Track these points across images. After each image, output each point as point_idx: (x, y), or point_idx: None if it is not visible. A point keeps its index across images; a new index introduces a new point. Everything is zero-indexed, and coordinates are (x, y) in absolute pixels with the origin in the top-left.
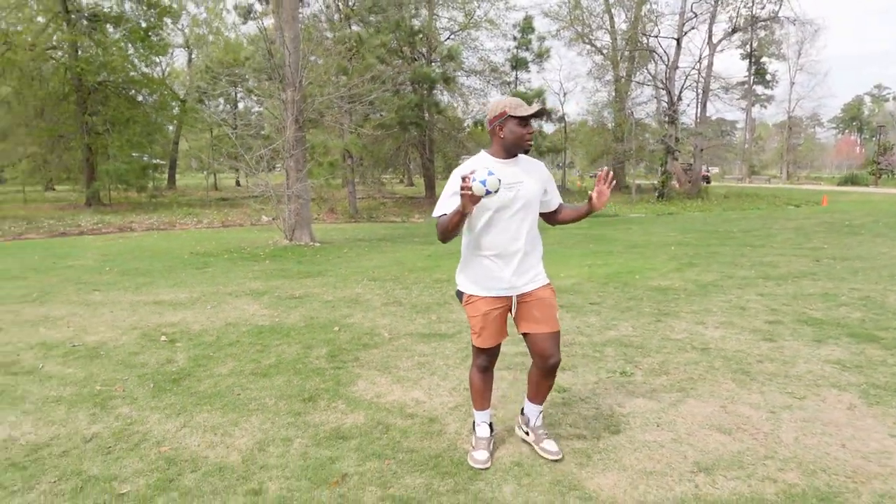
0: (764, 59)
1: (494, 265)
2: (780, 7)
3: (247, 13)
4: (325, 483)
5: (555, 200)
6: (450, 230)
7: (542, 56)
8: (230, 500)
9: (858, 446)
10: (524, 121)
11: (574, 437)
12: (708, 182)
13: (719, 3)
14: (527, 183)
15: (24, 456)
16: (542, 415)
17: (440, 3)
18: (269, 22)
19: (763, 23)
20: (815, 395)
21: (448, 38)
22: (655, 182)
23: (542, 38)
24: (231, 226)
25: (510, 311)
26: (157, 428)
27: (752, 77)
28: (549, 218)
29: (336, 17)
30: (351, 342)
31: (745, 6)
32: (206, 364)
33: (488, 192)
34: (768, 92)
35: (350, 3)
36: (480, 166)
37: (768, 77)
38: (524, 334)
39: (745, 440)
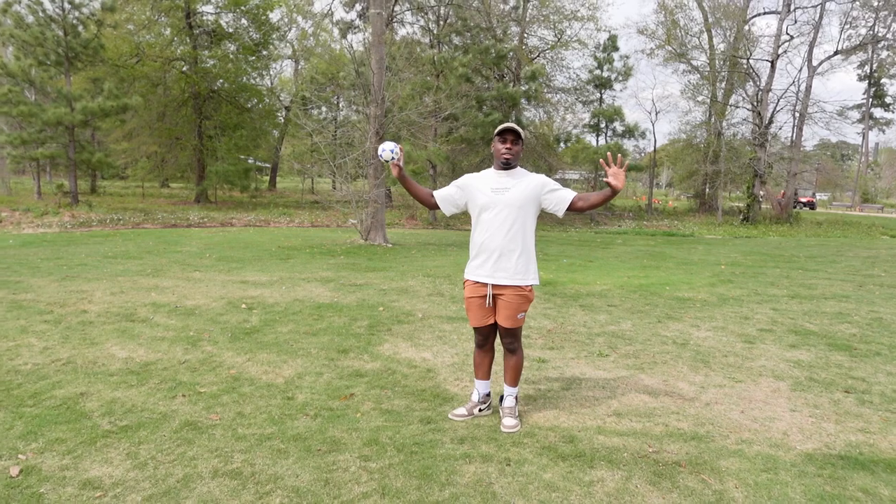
0: (884, 80)
1: (479, 256)
2: None
3: (347, 29)
4: (337, 397)
5: (563, 196)
6: (409, 189)
7: (625, 75)
8: (271, 400)
9: (755, 414)
10: (499, 137)
11: (532, 388)
12: (812, 208)
13: (820, 26)
14: (513, 190)
15: (139, 368)
16: (514, 397)
17: (532, 22)
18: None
19: (879, 43)
20: (752, 381)
21: (537, 56)
22: (739, 205)
23: (625, 57)
24: (319, 226)
25: (487, 299)
26: (229, 360)
27: (869, 99)
28: (574, 209)
29: (427, 39)
30: (389, 319)
31: (864, 25)
32: (272, 325)
33: (387, 157)
34: (888, 115)
35: (441, 25)
36: (388, 142)
37: (888, 100)
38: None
39: (664, 402)
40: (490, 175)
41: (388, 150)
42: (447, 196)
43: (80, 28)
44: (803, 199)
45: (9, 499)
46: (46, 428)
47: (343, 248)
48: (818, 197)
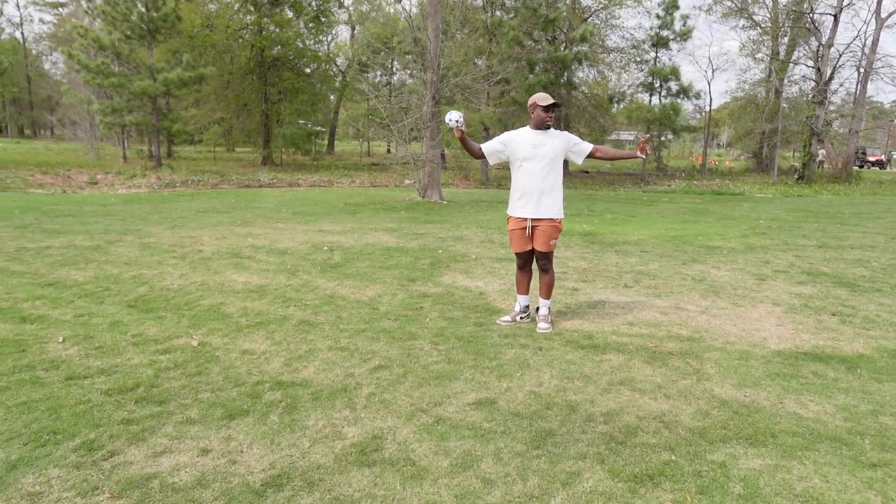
0: None
1: (521, 197)
2: None
3: None
4: (410, 308)
5: (584, 147)
6: (466, 148)
7: (684, 36)
8: (360, 310)
9: (745, 327)
10: (545, 109)
11: (563, 306)
12: (882, 167)
13: None
14: (549, 145)
15: (256, 288)
16: (547, 307)
17: None
18: (416, 1)
19: None
20: (752, 306)
21: (590, 15)
22: (795, 164)
23: (685, 17)
24: (378, 186)
25: (528, 230)
26: (323, 284)
27: None
28: (594, 157)
29: (479, 2)
30: (447, 258)
31: None
32: (352, 261)
33: (454, 124)
34: None
35: None
36: (454, 111)
37: None
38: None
39: (671, 317)
40: (528, 133)
41: (453, 119)
42: (493, 150)
43: (161, 2)
44: (872, 158)
45: (198, 357)
46: (204, 322)
47: (403, 204)
48: (894, 155)
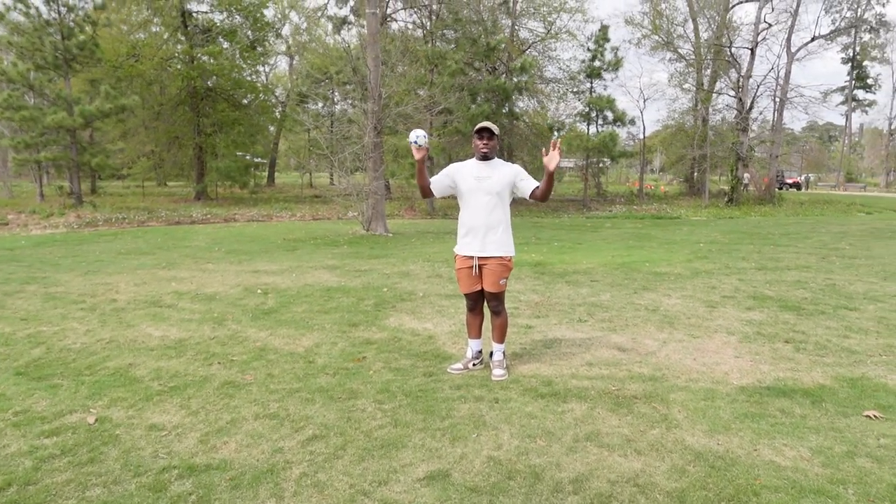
0: (866, 63)
1: (467, 234)
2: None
3: (340, 24)
4: (351, 360)
5: (529, 185)
6: (417, 178)
7: (615, 66)
8: (295, 364)
9: (705, 360)
10: (477, 135)
11: (519, 347)
12: (799, 188)
13: (797, 14)
14: (493, 178)
15: (175, 343)
16: (501, 352)
17: (522, 14)
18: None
19: (862, 26)
20: (707, 336)
21: (528, 48)
22: (725, 188)
23: (615, 49)
24: (320, 219)
25: (474, 269)
26: (254, 335)
27: (852, 82)
28: (535, 197)
29: (420, 32)
30: (393, 297)
31: (847, 8)
32: (287, 306)
33: (415, 143)
34: (871, 96)
35: (433, 20)
36: (419, 129)
37: (870, 81)
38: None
39: (630, 354)
40: (473, 165)
41: (420, 136)
42: (442, 185)
43: (76, 30)
44: (789, 181)
45: (93, 439)
46: (107, 390)
47: (346, 238)
48: (810, 178)
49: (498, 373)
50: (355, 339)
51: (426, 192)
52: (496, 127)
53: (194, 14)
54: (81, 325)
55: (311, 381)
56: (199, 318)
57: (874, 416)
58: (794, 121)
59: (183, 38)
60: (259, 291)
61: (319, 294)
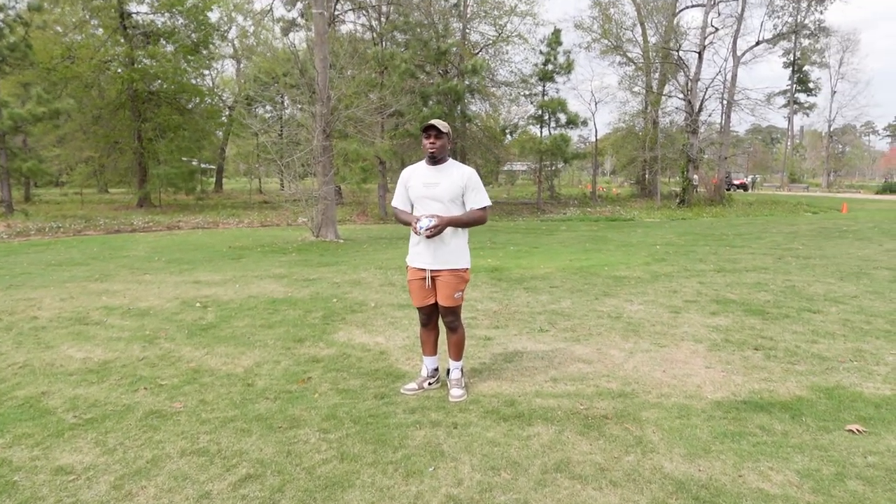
0: (806, 67)
1: (418, 244)
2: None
3: (289, 27)
4: (295, 381)
5: (472, 202)
6: (400, 222)
7: (567, 69)
8: (232, 388)
9: (675, 372)
10: (424, 133)
11: (478, 362)
12: (745, 189)
13: (742, 18)
14: (443, 184)
15: (98, 366)
16: (459, 370)
17: (473, 17)
18: (303, 36)
19: (802, 31)
20: (674, 345)
21: (479, 51)
22: (676, 189)
23: (567, 52)
24: (269, 225)
25: (427, 281)
26: (188, 354)
27: (794, 85)
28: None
29: (369, 35)
30: (343, 309)
31: (789, 14)
32: (228, 320)
33: (421, 230)
34: (812, 99)
35: (383, 23)
36: (425, 216)
37: (811, 85)
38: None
39: (597, 367)
40: (422, 169)
41: (423, 223)
42: (403, 200)
43: (7, 31)
44: (737, 182)
45: None
46: (11, 425)
47: (295, 245)
48: (756, 179)
49: (456, 393)
50: (300, 357)
51: (403, 219)
52: (445, 124)
53: (134, 15)
54: None
55: (249, 408)
56: (129, 336)
57: (857, 430)
58: (741, 123)
59: (122, 40)
60: (198, 305)
61: (264, 306)
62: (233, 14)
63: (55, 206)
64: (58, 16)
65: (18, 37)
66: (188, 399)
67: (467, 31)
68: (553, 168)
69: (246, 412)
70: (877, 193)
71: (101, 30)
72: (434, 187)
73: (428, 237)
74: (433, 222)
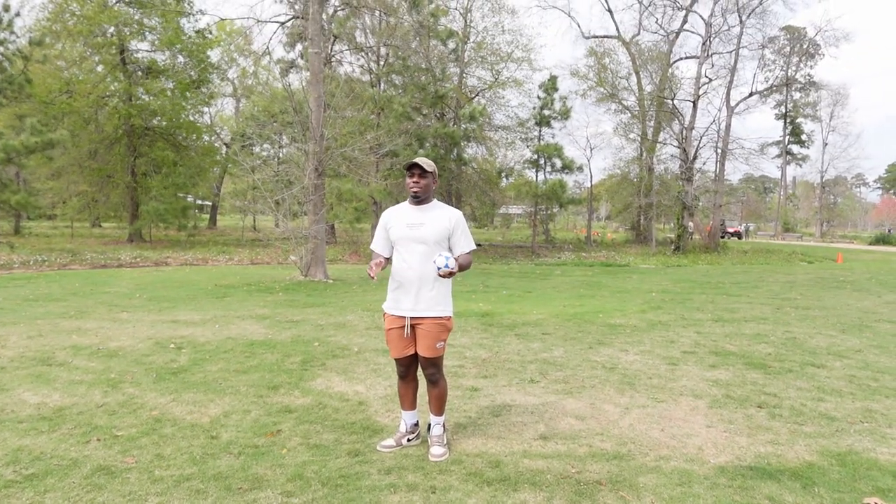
0: (799, 119)
1: (397, 289)
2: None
3: (288, 68)
4: (263, 434)
5: (460, 247)
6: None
7: (563, 115)
8: (194, 441)
9: (674, 431)
10: (407, 171)
11: (463, 416)
12: (740, 237)
13: (735, 70)
14: (428, 225)
15: (52, 413)
16: (441, 425)
17: (470, 62)
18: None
19: (793, 85)
20: (673, 400)
21: (476, 95)
22: (671, 236)
23: (563, 98)
24: (259, 263)
25: (406, 330)
26: (152, 401)
27: (786, 137)
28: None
29: (368, 77)
30: (324, 354)
31: (780, 68)
32: (202, 364)
33: (442, 268)
34: (804, 151)
35: (381, 65)
36: (442, 255)
37: (804, 137)
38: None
39: (590, 423)
40: (406, 209)
41: (449, 264)
42: (381, 242)
43: (6, 64)
44: (731, 230)
45: None
46: None
47: (282, 284)
48: (750, 227)
49: (436, 451)
50: (272, 407)
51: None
52: (430, 163)
53: (134, 53)
54: None
55: (209, 465)
56: (92, 379)
57: None
58: (735, 172)
59: (121, 76)
60: (172, 346)
61: (241, 349)
62: (234, 55)
63: (44, 238)
64: (59, 51)
65: (17, 70)
66: (143, 453)
67: (465, 75)
68: (548, 212)
69: (205, 469)
70: (870, 244)
71: (101, 66)
72: (418, 228)
73: (441, 276)
74: (453, 263)
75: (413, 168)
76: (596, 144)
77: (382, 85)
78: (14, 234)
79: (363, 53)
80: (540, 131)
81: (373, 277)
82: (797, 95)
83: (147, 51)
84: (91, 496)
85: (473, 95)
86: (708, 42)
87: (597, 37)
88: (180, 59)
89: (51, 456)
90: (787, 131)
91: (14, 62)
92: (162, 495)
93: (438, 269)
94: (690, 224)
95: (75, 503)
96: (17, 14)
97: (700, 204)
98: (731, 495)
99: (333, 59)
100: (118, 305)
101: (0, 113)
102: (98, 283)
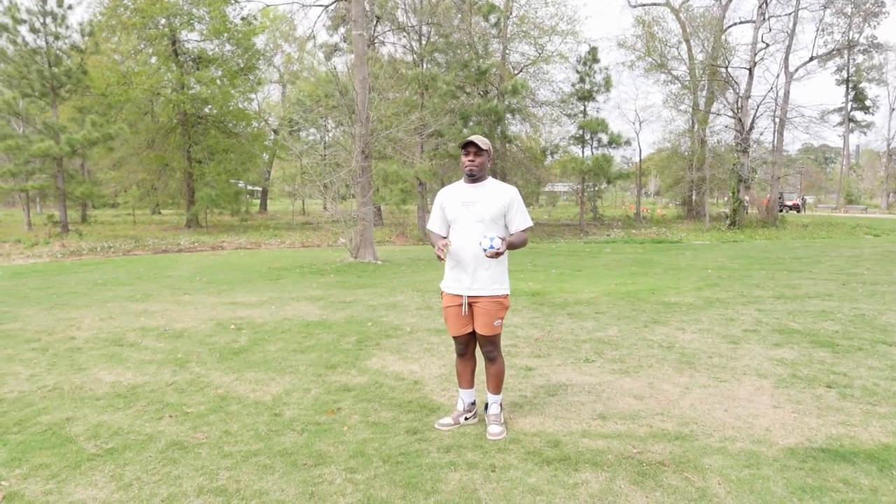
0: (863, 84)
1: (455, 268)
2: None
3: (332, 51)
4: (324, 412)
5: (516, 223)
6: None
7: (606, 87)
8: (258, 418)
9: (739, 412)
10: (463, 150)
11: (518, 395)
12: (799, 211)
13: (794, 33)
14: (483, 202)
15: (126, 391)
16: (498, 404)
17: (513, 38)
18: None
19: (855, 48)
20: (735, 380)
21: (519, 71)
22: (726, 210)
23: (605, 69)
24: (310, 246)
25: (464, 308)
26: (217, 380)
27: (849, 103)
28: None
29: (411, 57)
30: (378, 333)
31: (839, 31)
32: (261, 344)
33: (487, 249)
34: (869, 118)
35: (423, 44)
36: (489, 236)
37: (868, 102)
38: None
39: (649, 403)
40: (461, 187)
41: (494, 244)
42: (440, 223)
43: (65, 58)
44: (789, 203)
45: None
46: (31, 454)
47: (333, 266)
48: (808, 200)
49: (494, 430)
50: (331, 385)
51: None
52: (486, 141)
53: (185, 43)
54: (26, 369)
55: (274, 441)
56: (161, 359)
57: None
58: (793, 142)
59: (174, 67)
60: (233, 327)
61: (298, 329)
62: (278, 41)
63: (109, 226)
64: (115, 45)
65: (74, 63)
66: (212, 429)
67: (507, 51)
68: (596, 189)
69: (270, 446)
70: None
71: (154, 58)
72: (474, 206)
73: (489, 257)
74: (500, 244)
75: (469, 146)
76: (645, 118)
77: (425, 64)
78: (81, 222)
79: (405, 33)
80: (585, 107)
81: (442, 259)
82: (860, 58)
83: (196, 41)
84: (167, 469)
85: (517, 71)
86: (764, 4)
87: (644, 4)
88: (228, 47)
89: (128, 431)
90: (850, 97)
91: (72, 56)
92: (232, 469)
93: (484, 250)
94: (746, 197)
95: (153, 475)
96: (70, 7)
97: (757, 176)
98: (802, 478)
99: (377, 41)
100: (180, 288)
101: (64, 106)
102: (160, 267)
